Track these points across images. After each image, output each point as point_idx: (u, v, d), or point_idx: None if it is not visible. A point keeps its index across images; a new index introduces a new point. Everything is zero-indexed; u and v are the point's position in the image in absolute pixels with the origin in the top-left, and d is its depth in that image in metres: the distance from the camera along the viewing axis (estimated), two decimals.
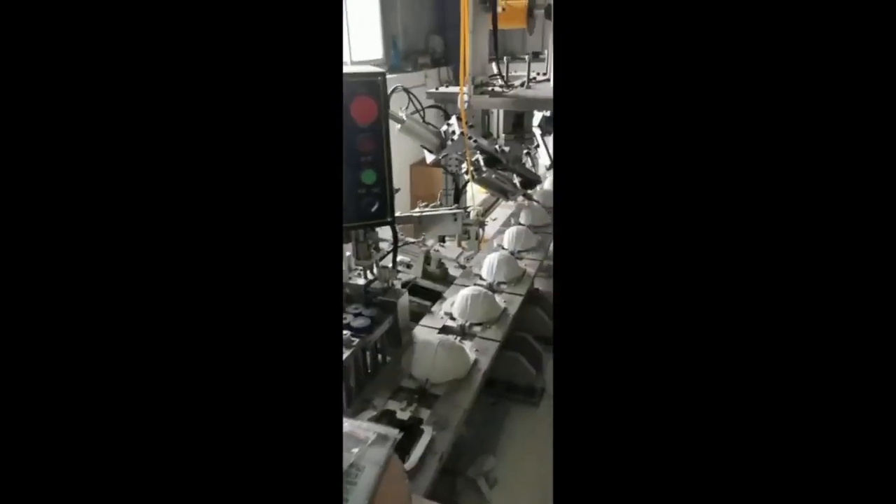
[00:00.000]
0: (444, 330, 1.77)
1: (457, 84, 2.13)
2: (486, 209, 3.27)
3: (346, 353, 1.42)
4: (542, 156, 3.12)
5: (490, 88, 2.18)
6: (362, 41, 5.72)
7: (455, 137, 2.23)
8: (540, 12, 2.33)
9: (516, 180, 2.68)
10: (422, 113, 2.29)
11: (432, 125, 2.31)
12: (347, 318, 1.56)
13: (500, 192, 2.69)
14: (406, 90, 2.29)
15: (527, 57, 2.36)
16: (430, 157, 2.43)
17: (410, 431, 1.29)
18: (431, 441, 1.27)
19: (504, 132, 2.46)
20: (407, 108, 2.25)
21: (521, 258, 2.34)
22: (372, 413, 1.38)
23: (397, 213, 2.45)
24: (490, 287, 2.05)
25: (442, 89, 2.51)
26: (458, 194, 2.76)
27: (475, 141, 2.23)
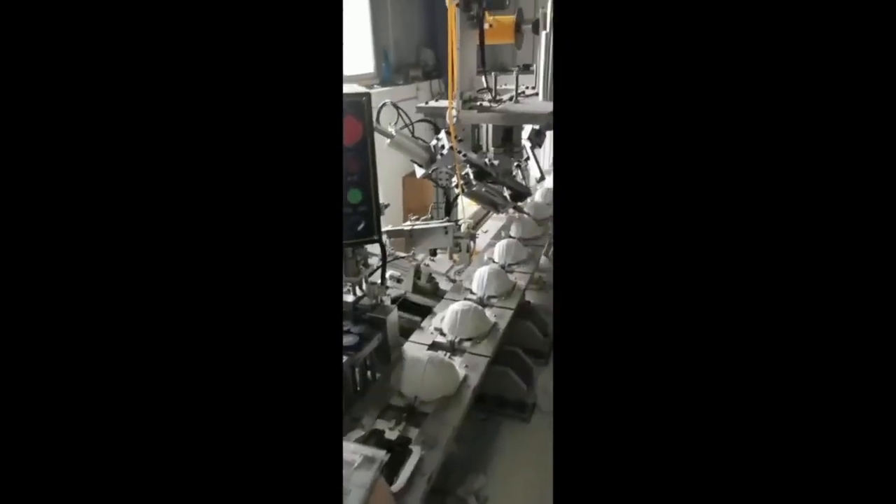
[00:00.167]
0: (434, 346, 1.76)
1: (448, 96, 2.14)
2: (477, 222, 3.27)
3: None
4: (533, 168, 3.13)
5: (478, 103, 2.19)
6: (353, 55, 5.75)
7: (444, 152, 2.24)
8: (527, 27, 2.35)
9: (506, 193, 2.69)
10: (411, 128, 2.30)
11: (422, 140, 2.31)
12: None
13: (491, 205, 2.70)
14: (395, 105, 2.30)
15: (516, 73, 2.37)
16: (419, 172, 2.43)
17: (399, 451, 1.28)
18: (420, 461, 1.25)
19: (493, 146, 2.46)
20: (396, 123, 2.26)
21: (511, 271, 2.34)
22: (360, 433, 1.36)
23: (389, 227, 2.45)
24: (480, 301, 2.05)
25: (432, 103, 2.52)
26: (449, 207, 2.76)
27: (464, 155, 2.24)
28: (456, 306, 1.87)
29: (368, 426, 1.39)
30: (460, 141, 2.17)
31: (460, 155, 2.19)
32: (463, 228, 2.47)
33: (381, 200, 2.05)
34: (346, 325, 1.61)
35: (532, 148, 3.13)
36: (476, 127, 2.71)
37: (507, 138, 2.48)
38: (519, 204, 2.87)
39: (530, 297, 2.51)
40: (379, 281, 1.75)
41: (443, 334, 1.82)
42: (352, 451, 1.10)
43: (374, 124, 2.14)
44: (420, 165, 2.35)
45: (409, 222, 2.49)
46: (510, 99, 2.30)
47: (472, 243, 2.48)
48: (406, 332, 1.86)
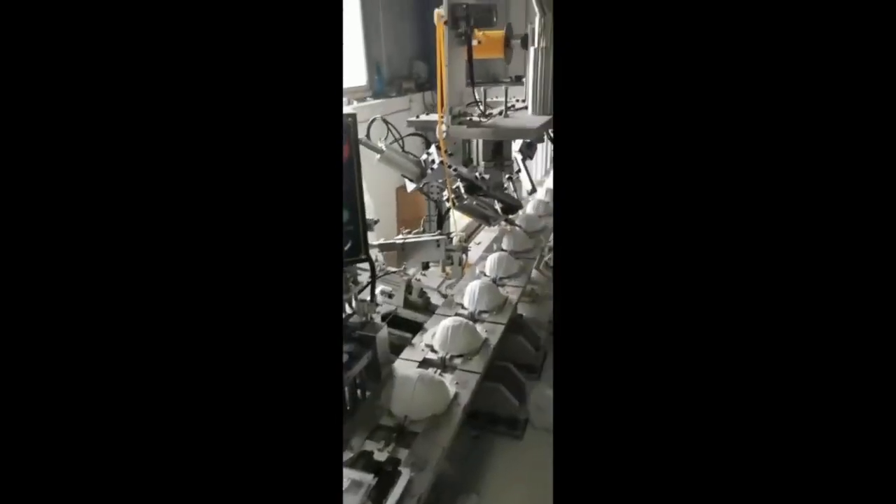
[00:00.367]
0: (425, 363, 1.75)
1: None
2: (470, 234, 3.27)
3: None
4: (524, 180, 3.14)
5: (468, 118, 2.20)
6: (346, 68, 5.80)
7: (435, 166, 2.24)
8: (516, 42, 2.37)
9: (498, 206, 2.69)
10: (401, 142, 2.30)
11: (412, 154, 2.32)
12: None
13: (482, 218, 2.70)
14: (385, 120, 2.31)
15: (505, 86, 2.38)
16: (410, 186, 2.43)
17: (388, 473, 1.26)
18: (409, 483, 1.23)
19: (484, 159, 2.47)
20: (386, 138, 2.26)
21: (503, 285, 2.34)
22: (349, 454, 1.34)
23: (381, 240, 2.45)
24: (472, 316, 2.04)
25: (423, 117, 2.53)
26: (442, 220, 2.76)
27: (455, 169, 2.24)
28: (447, 322, 1.86)
29: (357, 447, 1.37)
30: (451, 155, 2.17)
31: (451, 169, 2.19)
32: (455, 241, 2.47)
33: (373, 215, 2.04)
34: None
35: (523, 160, 3.15)
36: (467, 141, 2.72)
37: (497, 152, 2.49)
38: (510, 217, 2.88)
39: (522, 309, 2.50)
40: (368, 298, 1.74)
41: (434, 351, 1.80)
42: None
43: (365, 140, 2.15)
44: (411, 180, 2.35)
45: (400, 236, 2.49)
46: (500, 113, 2.31)
47: (464, 256, 2.47)
48: (397, 348, 1.85)
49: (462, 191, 2.36)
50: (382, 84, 6.28)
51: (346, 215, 1.45)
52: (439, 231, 2.63)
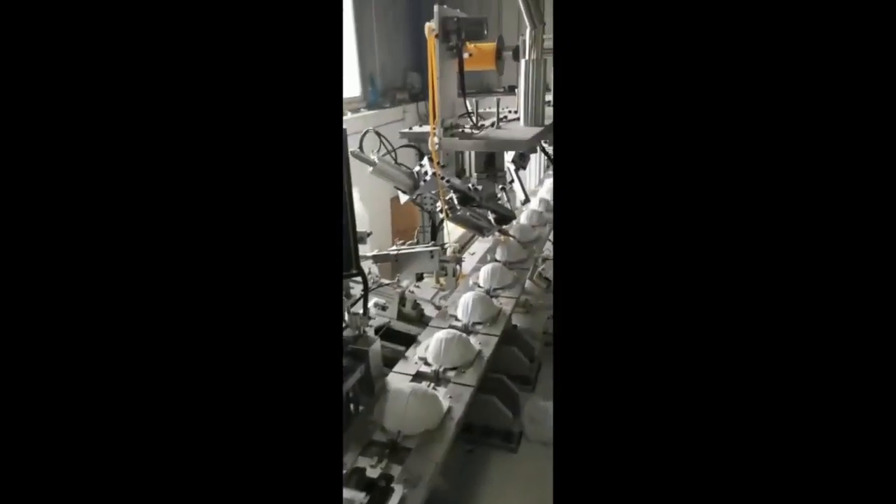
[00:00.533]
0: (418, 376, 1.74)
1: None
2: (464, 245, 3.27)
3: None
4: (518, 191, 3.15)
5: (460, 129, 2.21)
6: None
7: (428, 178, 2.24)
8: (508, 54, 2.39)
9: (491, 217, 2.70)
10: (393, 154, 2.31)
11: (405, 166, 2.32)
12: None
13: (476, 229, 2.70)
14: (377, 133, 2.31)
15: (497, 98, 2.40)
16: (403, 198, 2.43)
17: (381, 490, 1.24)
18: (402, 500, 1.22)
19: (476, 171, 2.47)
20: (379, 150, 2.27)
21: (496, 296, 2.33)
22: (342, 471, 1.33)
23: (375, 251, 2.45)
24: (465, 328, 2.03)
25: (416, 128, 2.54)
26: (435, 231, 2.76)
27: (448, 181, 2.24)
28: (440, 335, 1.85)
29: (350, 464, 1.36)
30: (443, 167, 2.18)
31: (443, 181, 2.19)
32: (449, 252, 2.47)
33: (366, 227, 2.04)
34: None
35: (516, 171, 3.16)
36: (459, 152, 2.73)
37: (489, 163, 2.50)
38: (504, 227, 2.88)
39: (516, 320, 2.50)
40: (361, 311, 1.74)
41: (427, 364, 1.79)
42: None
43: (357, 152, 2.15)
44: (404, 192, 2.35)
45: (394, 247, 2.48)
46: (492, 124, 2.32)
47: (458, 267, 2.47)
48: (390, 362, 1.84)
49: (455, 202, 2.36)
50: (376, 95, 6.31)
51: None
52: (433, 242, 2.63)
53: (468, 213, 2.51)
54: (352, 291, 1.76)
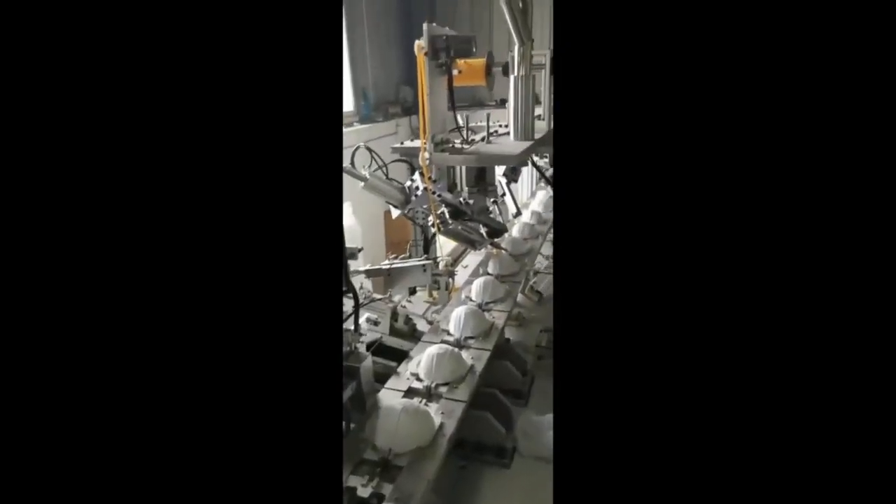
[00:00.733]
0: (410, 392, 1.73)
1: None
2: (456, 258, 3.27)
3: None
4: (509, 204, 3.17)
5: (451, 144, 2.22)
6: None
7: (419, 193, 2.26)
8: (498, 69, 2.42)
9: (483, 230, 2.71)
10: (384, 169, 2.32)
11: (396, 181, 2.33)
12: None
13: (468, 242, 2.71)
14: (368, 148, 2.33)
15: (487, 113, 2.42)
16: (395, 212, 2.44)
17: None
18: None
19: (467, 185, 2.49)
20: (370, 165, 2.28)
21: (489, 310, 2.33)
22: None
23: (367, 266, 2.45)
24: (457, 342, 2.03)
25: (407, 143, 2.56)
26: (428, 244, 2.77)
27: (439, 195, 2.26)
28: (432, 350, 1.85)
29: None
30: (435, 181, 2.19)
31: (435, 195, 2.20)
32: (441, 266, 2.47)
33: (359, 242, 2.04)
34: None
35: (508, 184, 3.18)
36: (450, 166, 2.75)
37: (480, 177, 2.51)
38: (496, 240, 2.89)
39: (509, 333, 2.50)
40: (353, 327, 1.73)
41: (419, 379, 1.79)
42: None
43: (349, 168, 2.16)
44: (395, 206, 2.36)
45: (387, 261, 2.49)
46: (482, 139, 2.34)
47: (450, 280, 2.48)
48: (382, 377, 1.83)
49: (447, 216, 2.37)
50: (369, 109, 6.35)
51: None
52: (426, 256, 2.64)
53: (460, 227, 2.52)
54: (343, 308, 1.76)
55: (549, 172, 3.48)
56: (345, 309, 1.78)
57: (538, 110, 2.54)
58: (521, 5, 2.13)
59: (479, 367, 1.86)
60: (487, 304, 2.38)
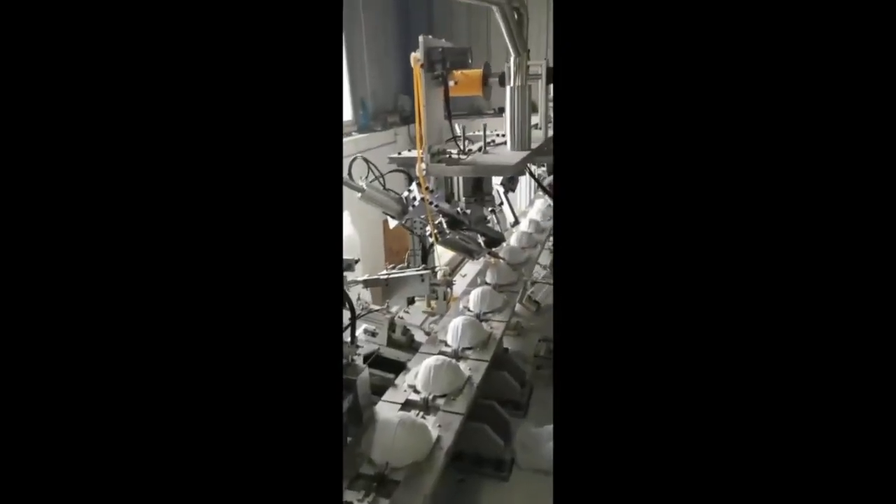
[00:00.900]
0: (407, 405, 1.72)
1: None
2: (455, 267, 3.27)
3: None
4: (507, 213, 3.17)
5: (447, 155, 2.22)
6: None
7: (416, 203, 2.26)
8: (494, 80, 2.43)
9: (480, 240, 2.71)
10: (381, 180, 2.32)
11: (393, 191, 2.33)
12: None
13: (466, 252, 2.71)
14: (365, 159, 2.33)
15: (483, 124, 2.43)
16: (393, 223, 2.44)
17: None
18: None
19: (464, 195, 2.49)
20: (367, 176, 2.28)
21: (486, 320, 2.32)
22: None
23: (366, 276, 2.44)
24: (455, 354, 2.02)
25: (404, 153, 2.56)
26: (426, 254, 2.77)
27: (436, 205, 2.26)
28: (429, 361, 1.84)
29: None
30: (432, 192, 2.19)
31: (432, 205, 2.21)
32: (439, 276, 2.47)
33: (357, 252, 2.03)
34: None
35: (505, 193, 3.19)
36: (448, 176, 2.75)
37: (477, 187, 2.51)
38: (494, 250, 2.89)
39: (507, 343, 2.49)
40: (349, 339, 1.72)
41: (416, 391, 1.78)
42: None
43: (346, 180, 2.17)
44: (392, 217, 2.36)
45: (385, 271, 2.48)
46: (479, 149, 2.35)
47: (448, 290, 2.47)
48: (379, 389, 1.82)
49: (444, 226, 2.37)
50: (367, 118, 6.37)
51: None
52: (424, 265, 2.63)
53: (457, 237, 2.52)
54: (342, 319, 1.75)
55: (546, 181, 3.49)
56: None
57: (535, 119, 2.55)
58: (516, 17, 2.14)
59: (477, 379, 1.85)
60: (485, 314, 2.37)
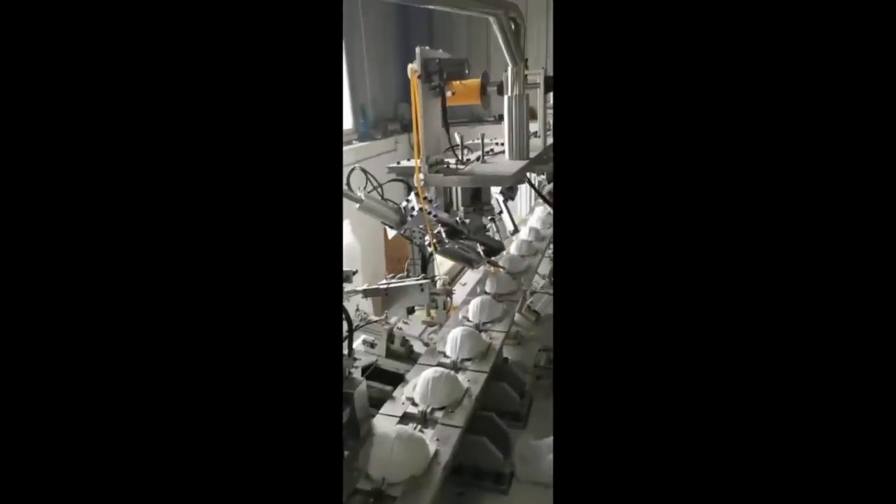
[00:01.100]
0: (405, 417, 1.70)
1: None
2: (454, 276, 3.26)
3: None
4: (506, 222, 3.16)
5: (445, 165, 2.22)
6: None
7: (415, 213, 2.25)
8: (493, 89, 2.43)
9: (480, 249, 2.70)
10: (380, 190, 2.32)
11: (392, 201, 2.33)
12: None
13: (465, 261, 2.70)
14: (363, 170, 2.33)
15: (482, 134, 2.43)
16: (392, 232, 2.44)
17: None
18: None
19: (463, 205, 2.49)
20: (365, 186, 2.28)
21: (486, 330, 2.31)
22: None
23: (365, 285, 2.43)
24: (454, 365, 2.00)
25: (403, 162, 2.56)
26: (426, 263, 2.76)
27: (435, 215, 2.25)
28: (428, 373, 1.82)
29: None
30: (431, 202, 2.19)
31: (430, 215, 2.20)
32: (439, 285, 2.46)
33: (358, 261, 2.03)
34: None
35: (504, 201, 3.18)
36: (446, 186, 2.75)
37: (476, 197, 2.51)
38: (493, 259, 2.88)
39: (507, 353, 2.47)
40: (346, 352, 1.71)
41: (414, 404, 1.76)
42: None
43: (345, 190, 2.16)
44: (391, 227, 2.35)
45: (384, 280, 2.47)
46: (477, 158, 2.34)
47: (448, 299, 2.46)
48: (377, 402, 1.80)
49: (443, 236, 2.37)
50: (368, 126, 6.39)
51: None
52: (423, 275, 2.63)
53: (457, 247, 2.51)
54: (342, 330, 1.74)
55: (546, 189, 3.48)
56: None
57: (534, 126, 2.55)
58: (513, 27, 2.14)
59: (476, 391, 1.84)
60: (485, 324, 2.36)
